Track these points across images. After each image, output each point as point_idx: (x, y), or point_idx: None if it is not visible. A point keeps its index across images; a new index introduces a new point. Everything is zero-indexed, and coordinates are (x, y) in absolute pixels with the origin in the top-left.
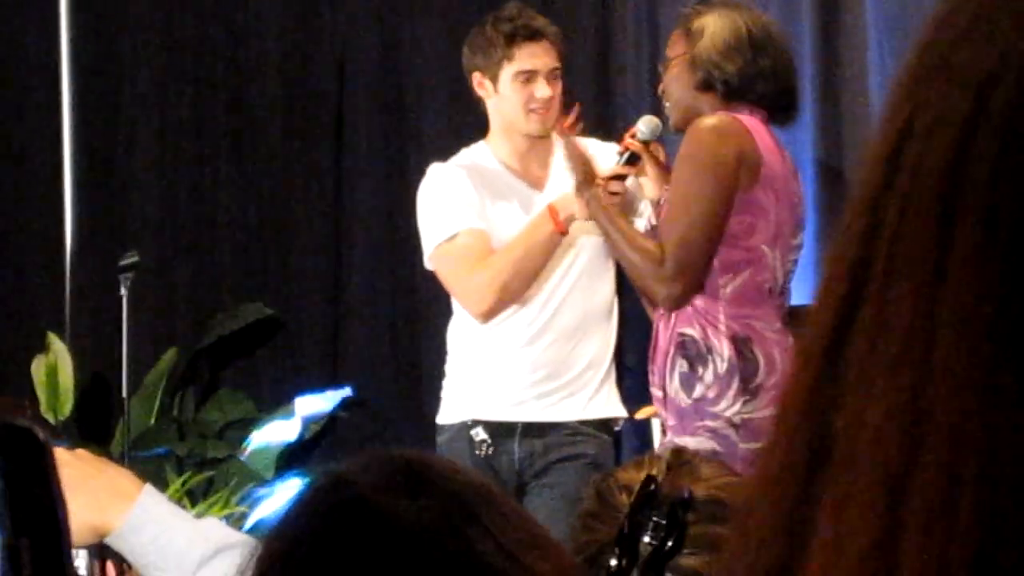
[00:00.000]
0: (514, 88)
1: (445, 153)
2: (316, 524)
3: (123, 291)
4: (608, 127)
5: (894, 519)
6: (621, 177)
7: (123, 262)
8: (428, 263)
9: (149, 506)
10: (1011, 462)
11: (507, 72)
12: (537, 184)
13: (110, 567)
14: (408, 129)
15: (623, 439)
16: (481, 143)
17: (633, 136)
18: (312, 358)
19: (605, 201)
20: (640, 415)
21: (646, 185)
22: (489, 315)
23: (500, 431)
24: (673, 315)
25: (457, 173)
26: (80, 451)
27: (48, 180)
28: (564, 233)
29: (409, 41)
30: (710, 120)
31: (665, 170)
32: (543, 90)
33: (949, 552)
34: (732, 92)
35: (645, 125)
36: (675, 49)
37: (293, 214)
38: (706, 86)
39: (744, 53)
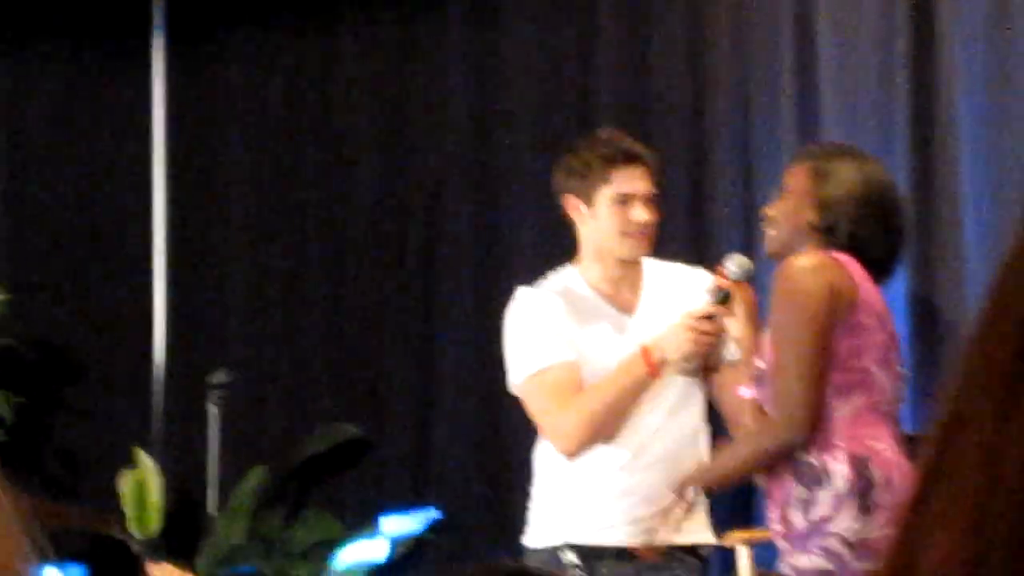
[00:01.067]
0: (611, 211)
1: (536, 275)
2: None
3: (212, 408)
4: (700, 254)
5: None
6: (711, 317)
7: (213, 380)
8: (514, 390)
9: None
10: None
11: (604, 195)
12: (628, 308)
13: None
14: (500, 249)
15: (710, 566)
16: (571, 267)
17: (723, 274)
18: (399, 479)
19: (696, 341)
20: (726, 541)
21: (732, 325)
22: (576, 454)
23: (591, 555)
24: None
25: (548, 299)
26: (165, 565)
27: (139, 294)
28: (657, 376)
29: (504, 160)
30: (803, 260)
31: (754, 310)
32: (640, 214)
33: None
34: (845, 247)
35: (735, 264)
36: (797, 182)
37: (384, 333)
38: (824, 232)
39: (871, 215)
